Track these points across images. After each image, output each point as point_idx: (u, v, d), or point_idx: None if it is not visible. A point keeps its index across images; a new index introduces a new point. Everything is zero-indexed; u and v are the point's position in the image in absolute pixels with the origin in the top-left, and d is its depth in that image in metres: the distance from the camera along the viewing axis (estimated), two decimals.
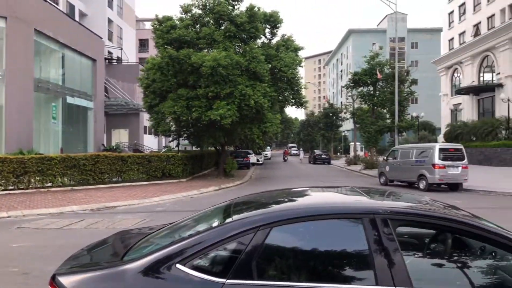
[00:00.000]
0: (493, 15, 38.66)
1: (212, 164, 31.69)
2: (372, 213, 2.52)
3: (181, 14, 22.90)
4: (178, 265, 2.38)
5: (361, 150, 47.95)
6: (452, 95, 45.36)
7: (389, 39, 71.78)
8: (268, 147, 63.74)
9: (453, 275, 2.63)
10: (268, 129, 21.27)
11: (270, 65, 21.56)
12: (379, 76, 28.23)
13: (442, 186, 17.58)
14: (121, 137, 37.79)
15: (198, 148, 28.01)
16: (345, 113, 43.55)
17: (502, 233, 2.52)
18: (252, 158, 36.47)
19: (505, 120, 31.44)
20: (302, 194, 3.37)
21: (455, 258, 2.82)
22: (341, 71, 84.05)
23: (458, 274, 2.63)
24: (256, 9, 22.13)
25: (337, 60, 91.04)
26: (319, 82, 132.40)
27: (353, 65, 64.79)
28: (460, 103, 42.84)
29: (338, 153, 67.19)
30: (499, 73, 36.53)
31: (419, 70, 71.08)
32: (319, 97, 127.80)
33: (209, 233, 2.56)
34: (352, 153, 43.75)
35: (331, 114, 55.80)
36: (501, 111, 33.48)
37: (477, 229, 2.56)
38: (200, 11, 22.68)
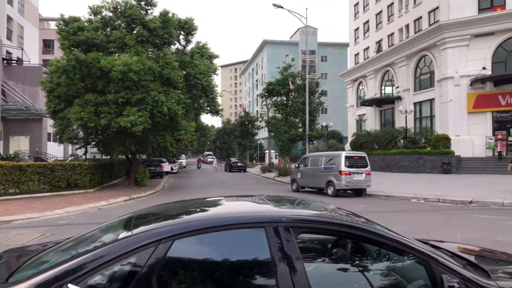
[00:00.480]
0: (393, 33, 42.28)
1: (123, 173, 30.34)
2: (275, 221, 2.53)
3: (90, 15, 21.73)
4: (70, 285, 2.17)
5: (276, 158, 49.28)
6: (357, 106, 48.66)
7: (301, 52, 75.00)
8: (183, 155, 62.82)
9: (352, 279, 2.73)
10: (182, 137, 20.91)
11: (184, 72, 21.28)
12: (291, 86, 29.32)
13: (348, 191, 18.61)
14: (20, 144, 34.64)
15: (108, 157, 26.66)
16: (260, 121, 44.50)
17: (393, 237, 2.66)
18: (166, 167, 35.61)
19: (403, 130, 34.38)
20: (207, 204, 3.29)
21: (354, 262, 2.93)
22: (257, 80, 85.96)
23: (356, 277, 2.73)
24: (170, 15, 21.76)
25: (253, 69, 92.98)
26: (236, 91, 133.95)
27: (268, 75, 66.64)
28: (365, 114, 46.10)
29: (254, 161, 68.34)
30: (398, 87, 40.00)
31: (328, 82, 75.21)
32: (236, 105, 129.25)
33: (105, 248, 2.38)
34: (267, 161, 44.73)
35: (247, 123, 56.69)
36: (400, 122, 36.59)
37: (373, 234, 2.67)
38: (110, 14, 21.72)
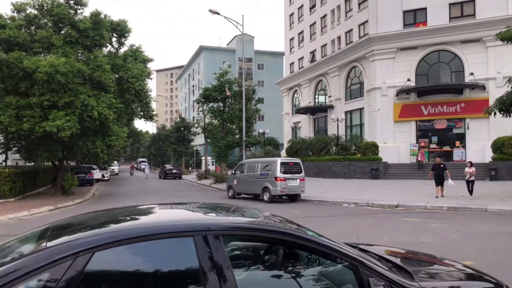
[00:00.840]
0: (326, 44, 43.88)
1: (49, 181, 28.48)
2: (204, 229, 2.43)
3: (13, 12, 20.27)
4: None
5: (213, 165, 48.97)
6: (293, 114, 49.81)
7: (238, 59, 75.52)
8: (116, 161, 60.43)
9: (283, 286, 2.70)
10: (114, 143, 20.05)
11: (117, 76, 20.47)
12: (227, 93, 29.34)
13: (283, 197, 18.89)
14: None
15: (32, 163, 24.92)
16: (196, 127, 44.04)
17: (324, 243, 2.66)
18: (97, 174, 33.99)
19: (335, 138, 35.70)
20: (133, 213, 3.10)
21: (285, 268, 2.90)
22: (193, 86, 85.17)
23: (287, 284, 2.71)
24: (102, 16, 20.88)
25: (189, 75, 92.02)
26: (172, 96, 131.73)
27: (205, 81, 66.29)
28: (300, 121, 47.30)
29: (190, 168, 67.41)
30: (330, 96, 41.51)
31: (265, 90, 76.34)
32: (172, 111, 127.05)
33: (14, 264, 2.14)
34: (203, 168, 44.29)
35: (182, 128, 55.83)
36: (332, 129, 37.95)
37: (304, 240, 2.67)
38: (36, 12, 20.40)
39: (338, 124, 34.91)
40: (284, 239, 2.66)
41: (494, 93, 26.99)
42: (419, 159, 30.76)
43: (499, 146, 27.36)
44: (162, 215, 3.08)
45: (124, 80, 20.76)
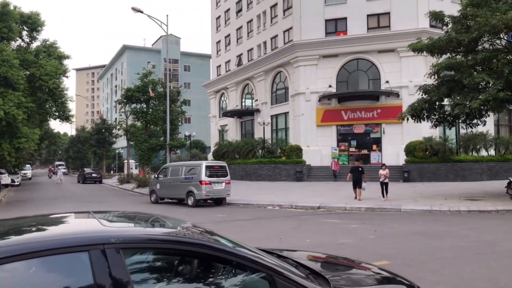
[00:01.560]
0: (252, 48, 44.32)
1: None
2: (101, 243, 2.13)
3: None
4: None
5: (136, 168, 47.16)
6: (220, 117, 49.64)
7: (163, 60, 73.79)
8: (29, 165, 55.95)
9: None
10: (23, 146, 18.43)
11: (27, 72, 18.88)
12: (151, 94, 28.37)
13: (209, 201, 18.58)
14: None
15: None
16: (118, 129, 42.11)
17: (239, 253, 2.51)
18: (5, 179, 31.06)
19: (262, 141, 36.10)
20: (20, 226, 2.67)
21: (199, 281, 2.69)
22: (116, 86, 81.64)
23: None
24: (11, 7, 19.12)
25: (112, 75, 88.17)
26: (93, 97, 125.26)
27: (128, 81, 63.78)
28: (227, 124, 47.25)
29: (112, 171, 64.42)
30: (257, 100, 41.97)
31: (192, 92, 75.40)
32: (93, 112, 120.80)
33: None
34: (126, 171, 42.45)
35: (103, 130, 53.12)
36: (259, 133, 38.38)
37: (218, 251, 2.49)
38: None
39: (264, 127, 35.36)
40: (194, 251, 2.49)
41: (407, 100, 28.94)
42: (333, 168, 30.87)
43: (411, 150, 29.38)
44: (53, 228, 2.68)
45: (36, 77, 19.19)
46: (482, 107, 17.13)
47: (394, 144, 32.30)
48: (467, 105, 15.38)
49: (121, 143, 63.55)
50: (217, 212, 15.82)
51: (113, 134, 52.67)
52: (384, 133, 33.35)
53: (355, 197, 17.75)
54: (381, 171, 17.63)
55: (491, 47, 16.76)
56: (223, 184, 17.85)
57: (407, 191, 21.53)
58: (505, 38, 17.61)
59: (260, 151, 36.28)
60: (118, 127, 40.69)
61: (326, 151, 34.32)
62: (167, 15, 25.10)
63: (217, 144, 42.79)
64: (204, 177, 17.26)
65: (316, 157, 33.97)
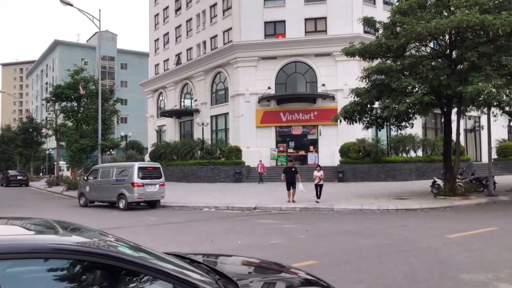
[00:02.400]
0: (191, 48, 43.65)
1: None
2: None
3: None
4: None
5: (68, 170, 44.66)
6: (158, 117, 48.41)
7: (99, 57, 70.81)
8: None
9: None
10: None
11: None
12: (82, 91, 26.93)
13: (142, 204, 17.93)
14: None
15: None
16: (48, 129, 39.63)
17: (141, 262, 2.37)
18: None
19: (200, 142, 35.61)
20: None
21: None
22: (47, 83, 77.09)
23: None
24: None
25: (42, 71, 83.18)
26: (21, 94, 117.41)
27: (60, 78, 60.42)
28: (165, 125, 46.14)
29: (41, 173, 60.64)
30: (196, 100, 41.39)
31: (129, 91, 73.08)
32: (21, 110, 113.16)
33: None
34: (57, 173, 40.03)
35: (31, 130, 49.78)
36: (198, 133, 37.80)
37: (118, 260, 2.31)
38: None
39: (203, 128, 34.92)
40: (82, 259, 2.27)
41: (342, 103, 29.70)
42: (259, 171, 29.82)
43: (345, 151, 30.37)
44: None
45: None
46: (410, 110, 18.03)
47: (330, 146, 33.21)
48: (395, 108, 16.09)
49: (52, 143, 60.01)
50: (150, 215, 15.27)
51: (42, 134, 49.47)
52: (320, 134, 34.18)
53: (288, 201, 16.94)
54: (315, 173, 16.95)
55: (417, 53, 17.69)
56: (157, 186, 17.28)
57: (340, 190, 22.17)
58: (430, 46, 18.71)
59: (199, 152, 35.79)
60: (47, 126, 38.28)
61: (265, 152, 34.55)
62: (99, 10, 23.79)
63: (154, 145, 41.66)
64: (136, 179, 16.60)
65: (256, 158, 34.02)
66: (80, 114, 28.25)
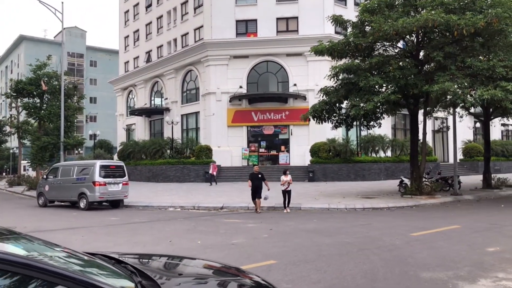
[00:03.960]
0: (162, 45, 42.85)
1: None
2: None
3: None
4: None
5: (34, 170, 43.04)
6: (127, 116, 47.29)
7: (67, 53, 68.76)
8: None
9: None
10: None
11: None
12: (43, 87, 25.85)
13: (104, 203, 17.28)
14: None
15: None
16: (11, 126, 38.02)
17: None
18: None
19: (170, 141, 34.92)
20: None
21: None
22: (12, 80, 74.21)
23: None
24: None
25: (7, 67, 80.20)
26: None
27: (25, 75, 58.32)
28: (134, 123, 45.13)
29: (5, 173, 58.37)
30: (166, 98, 40.61)
31: (98, 89, 71.40)
32: None
33: None
34: (21, 173, 38.47)
35: None
36: (168, 132, 37.06)
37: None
38: None
39: (173, 127, 34.26)
40: None
41: (313, 103, 29.48)
42: (210, 172, 28.36)
43: (315, 150, 30.36)
44: None
45: None
46: (378, 110, 18.10)
47: (301, 145, 33.15)
48: (363, 107, 16.05)
49: (16, 142, 57.81)
50: (111, 215, 14.69)
51: (4, 132, 47.45)
52: (292, 134, 34.08)
53: (256, 210, 14.86)
54: (283, 178, 14.94)
55: (385, 53, 17.75)
56: (120, 185, 16.67)
57: (310, 190, 22.06)
58: (398, 46, 18.82)
59: (168, 151, 35.08)
60: (9, 124, 36.72)
61: (236, 152, 34.19)
62: (62, 2, 22.70)
63: (122, 143, 40.63)
64: (98, 178, 15.96)
65: (227, 157, 33.69)
66: (43, 111, 27.12)
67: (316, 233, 9.99)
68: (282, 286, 5.72)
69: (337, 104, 18.24)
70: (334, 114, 18.92)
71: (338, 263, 6.98)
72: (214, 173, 28.17)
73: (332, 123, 19.58)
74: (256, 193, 14.81)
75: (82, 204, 16.25)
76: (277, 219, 12.95)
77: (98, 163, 16.67)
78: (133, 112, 43.40)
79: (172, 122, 33.65)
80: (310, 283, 5.85)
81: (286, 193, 14.97)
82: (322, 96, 18.74)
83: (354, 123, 20.33)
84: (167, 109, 39.99)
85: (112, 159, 41.38)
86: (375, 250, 7.99)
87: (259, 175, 14.90)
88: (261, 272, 6.46)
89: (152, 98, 43.66)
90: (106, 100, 68.98)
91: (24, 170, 46.59)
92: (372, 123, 19.61)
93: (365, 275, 6.26)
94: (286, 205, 14.97)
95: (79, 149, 63.32)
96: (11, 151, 60.57)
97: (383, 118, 20.07)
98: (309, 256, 7.55)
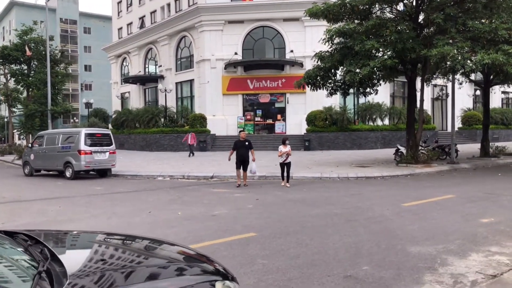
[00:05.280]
0: (155, 11, 41.50)
1: None
2: None
3: None
4: None
5: (23, 138, 42.53)
6: (121, 84, 46.37)
7: (59, 20, 66.98)
8: None
9: None
10: None
11: None
12: (28, 52, 24.95)
13: (92, 173, 16.85)
14: None
15: None
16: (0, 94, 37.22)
17: None
18: None
19: (164, 109, 34.26)
20: None
21: None
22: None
23: None
24: None
25: None
26: None
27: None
28: (129, 92, 44.30)
29: (0, 142, 57.98)
30: (161, 66, 39.64)
31: (93, 57, 70.01)
32: None
33: None
34: (11, 141, 37.98)
35: None
36: (163, 101, 36.33)
37: None
38: None
39: (166, 95, 33.55)
40: None
41: None
42: (189, 143, 26.16)
43: (312, 119, 29.76)
44: None
45: None
46: (374, 76, 17.40)
47: (297, 114, 32.52)
48: (358, 73, 15.35)
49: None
50: (97, 184, 14.27)
51: None
52: (288, 103, 33.38)
53: (238, 185, 13.03)
54: (282, 148, 12.99)
55: (382, 15, 16.87)
56: (107, 154, 16.18)
57: (304, 159, 21.63)
58: (397, 8, 17.90)
59: (162, 119, 34.48)
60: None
61: (232, 121, 33.60)
62: None
63: (116, 112, 39.96)
64: (83, 146, 15.45)
65: (222, 126, 33.15)
66: (31, 78, 26.31)
67: (303, 204, 9.57)
68: (257, 262, 5.30)
69: (332, 70, 17.51)
70: (329, 81, 18.21)
71: (321, 236, 6.56)
72: (194, 143, 26.76)
73: (327, 90, 18.89)
74: (241, 163, 13.00)
75: (68, 174, 15.82)
76: (266, 188, 12.54)
77: (83, 131, 16.12)
78: (127, 80, 42.50)
79: (166, 90, 32.91)
80: (287, 259, 5.42)
81: (285, 166, 12.94)
82: (317, 62, 17.97)
83: (350, 90, 19.65)
84: (162, 77, 39.10)
85: (107, 127, 40.86)
86: (363, 221, 7.57)
87: (246, 143, 13.14)
88: (237, 245, 6.04)
89: (146, 66, 42.67)
90: (101, 68, 67.69)
91: (19, 139, 46.11)
92: (368, 90, 18.94)
93: (348, 249, 5.84)
94: (286, 179, 12.93)
95: (75, 118, 62.82)
96: (5, 120, 59.99)
97: (380, 84, 19.37)
98: (292, 228, 7.12)
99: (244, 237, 6.53)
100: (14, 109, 31.00)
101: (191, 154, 25.72)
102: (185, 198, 10.88)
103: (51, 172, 17.84)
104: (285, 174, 13.00)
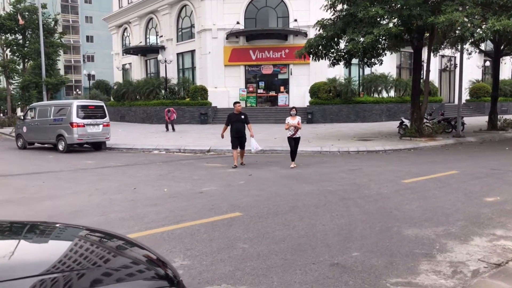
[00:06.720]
0: None
1: None
2: None
3: None
4: None
5: (21, 110, 42.14)
6: (123, 55, 45.45)
7: None
8: None
9: None
10: None
11: None
12: (20, 21, 24.19)
13: (86, 146, 16.45)
14: None
15: None
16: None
17: None
18: None
19: (164, 81, 33.56)
20: None
21: None
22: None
23: None
24: None
25: None
26: None
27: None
28: (130, 63, 43.47)
29: (2, 114, 57.73)
30: (162, 36, 38.64)
31: (95, 27, 68.81)
32: None
33: None
34: (10, 113, 37.62)
35: None
36: (164, 72, 35.58)
37: None
38: None
39: (166, 66, 32.77)
40: None
41: None
42: (169, 118, 24.08)
43: (315, 91, 28.97)
44: None
45: None
46: (379, 45, 16.56)
47: (301, 86, 31.72)
48: (362, 42, 14.56)
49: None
50: (88, 158, 13.86)
51: None
52: (291, 74, 32.51)
53: (234, 165, 11.11)
54: (289, 120, 11.00)
55: None
56: (100, 126, 15.70)
57: (305, 132, 20.87)
58: None
59: (162, 91, 33.82)
60: None
61: (234, 93, 32.84)
62: None
63: (116, 84, 39.30)
64: (75, 119, 14.96)
65: (224, 98, 32.44)
66: (26, 48, 25.63)
67: (297, 180, 9.08)
68: (237, 246, 4.84)
69: (334, 39, 16.66)
70: (332, 50, 17.38)
71: (312, 216, 6.08)
72: (174, 118, 24.40)
73: (329, 60, 18.08)
74: (237, 139, 11.24)
75: (60, 147, 15.41)
76: (261, 163, 12.06)
77: (75, 103, 15.61)
78: (128, 50, 41.59)
79: (166, 61, 32.12)
80: (271, 243, 4.96)
81: (293, 141, 11.08)
82: (319, 30, 17.12)
83: (353, 60, 18.81)
84: (163, 47, 38.15)
85: (109, 99, 40.34)
86: (359, 200, 7.08)
87: (242, 116, 11.41)
88: (220, 227, 5.59)
89: (147, 36, 41.63)
90: (103, 39, 66.53)
91: (21, 111, 45.79)
92: (373, 60, 18.10)
93: (339, 232, 5.36)
94: (293, 158, 11.16)
95: (77, 90, 62.30)
96: (5, 92, 59.61)
97: (385, 54, 18.51)
98: (281, 207, 6.65)
99: (229, 217, 6.07)
100: (12, 81, 30.48)
101: (173, 130, 23.70)
102: (176, 173, 10.44)
103: (45, 145, 17.48)
104: (293, 151, 11.20)
